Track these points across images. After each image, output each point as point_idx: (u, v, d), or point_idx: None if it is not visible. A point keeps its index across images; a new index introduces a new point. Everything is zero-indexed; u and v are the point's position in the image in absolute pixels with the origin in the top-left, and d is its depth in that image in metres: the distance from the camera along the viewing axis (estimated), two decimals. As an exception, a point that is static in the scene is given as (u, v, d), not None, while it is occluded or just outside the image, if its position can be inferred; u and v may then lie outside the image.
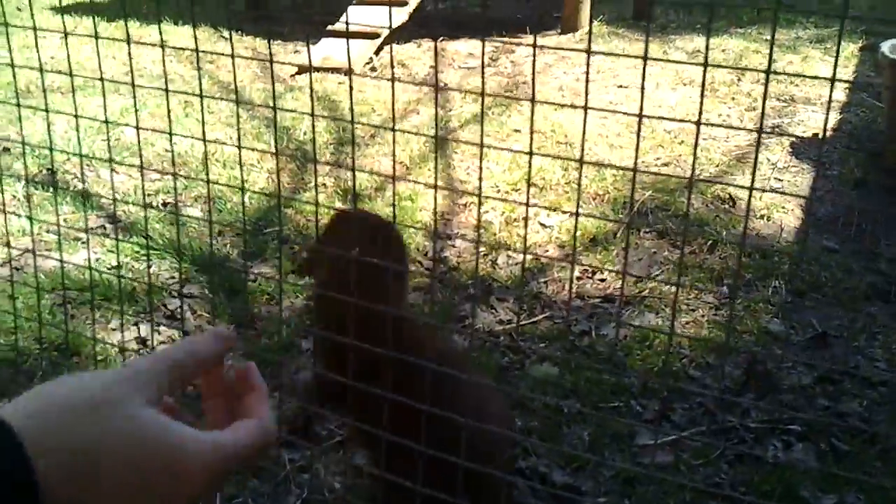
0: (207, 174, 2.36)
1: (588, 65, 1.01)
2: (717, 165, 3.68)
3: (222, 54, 1.32)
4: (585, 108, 1.07)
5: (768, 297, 2.66)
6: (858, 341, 2.46)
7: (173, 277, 2.67)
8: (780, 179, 3.57)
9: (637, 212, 3.15)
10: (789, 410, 2.15)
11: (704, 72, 1.00)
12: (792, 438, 2.08)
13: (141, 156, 1.44)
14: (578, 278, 2.73)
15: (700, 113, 1.03)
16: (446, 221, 3.10)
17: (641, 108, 1.03)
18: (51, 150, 1.72)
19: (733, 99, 4.47)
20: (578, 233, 2.97)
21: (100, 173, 3.39)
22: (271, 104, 1.36)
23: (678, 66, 4.77)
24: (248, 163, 3.51)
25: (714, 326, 2.51)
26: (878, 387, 2.27)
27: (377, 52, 4.96)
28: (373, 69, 4.83)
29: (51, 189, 3.23)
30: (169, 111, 1.37)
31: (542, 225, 3.04)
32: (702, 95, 1.02)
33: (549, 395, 2.15)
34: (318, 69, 4.70)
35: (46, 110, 1.53)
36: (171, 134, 1.29)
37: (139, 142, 1.49)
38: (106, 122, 1.43)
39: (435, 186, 1.05)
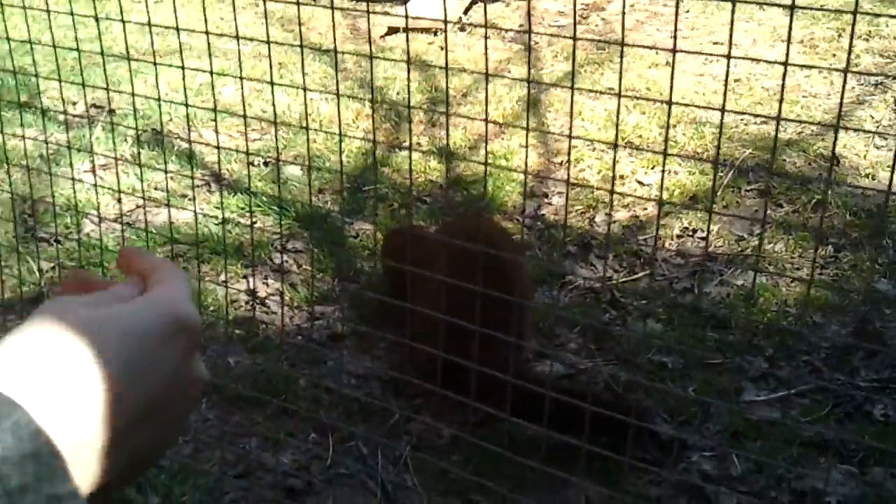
0: (340, 127, 2.41)
1: (731, 18, 1.00)
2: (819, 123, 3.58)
3: (316, 5, 1.34)
4: (728, 56, 1.06)
5: (876, 256, 2.60)
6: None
7: (277, 233, 2.74)
8: (885, 137, 3.46)
9: (738, 169, 3.09)
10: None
11: (854, 21, 0.98)
12: (904, 398, 2.04)
13: (276, 110, 1.48)
14: (679, 236, 2.70)
15: (848, 63, 1.02)
16: (542, 179, 3.10)
17: (787, 58, 1.02)
18: (191, 105, 1.77)
19: (834, 56, 4.33)
20: (678, 191, 2.94)
21: (202, 133, 3.48)
22: (367, 64, 1.37)
23: (776, 23, 4.64)
24: (344, 122, 3.55)
25: (820, 285, 2.47)
26: None
27: (466, 12, 4.94)
28: (462, 28, 4.82)
29: (156, 148, 3.34)
30: (285, 63, 1.40)
31: (640, 182, 3.02)
32: (851, 40, 1.00)
33: (652, 352, 2.16)
34: (407, 29, 4.72)
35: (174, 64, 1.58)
36: (305, 89, 1.32)
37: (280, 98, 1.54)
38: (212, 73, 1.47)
39: (570, 136, 1.06)
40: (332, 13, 1.38)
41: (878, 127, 3.57)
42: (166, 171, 2.09)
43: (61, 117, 3.62)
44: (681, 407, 1.97)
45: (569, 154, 1.30)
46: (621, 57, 0.95)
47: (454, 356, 1.63)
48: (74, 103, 3.81)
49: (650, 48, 4.37)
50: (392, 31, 4.79)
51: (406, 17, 1.70)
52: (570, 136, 1.06)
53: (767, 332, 2.23)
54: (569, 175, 2.99)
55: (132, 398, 0.46)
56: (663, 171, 1.22)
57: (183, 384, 0.50)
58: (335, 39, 1.39)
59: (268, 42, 1.38)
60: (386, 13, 5.32)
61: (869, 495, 1.77)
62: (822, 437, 1.90)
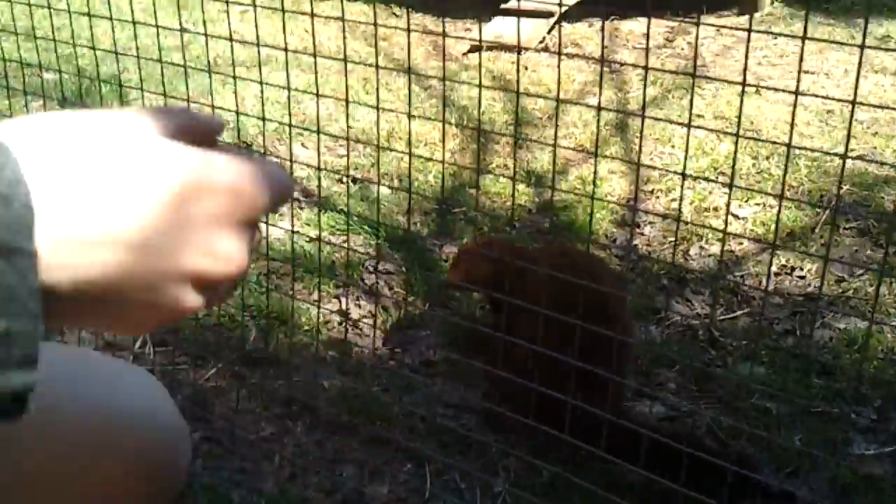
0: (445, 146, 2.42)
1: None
2: (917, 159, 3.47)
3: (397, 28, 1.32)
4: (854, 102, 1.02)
5: None
6: None
7: (367, 253, 2.74)
8: None
9: (834, 207, 3.01)
10: None
11: None
12: None
13: (379, 130, 1.47)
14: (777, 274, 2.63)
15: None
16: (633, 209, 3.05)
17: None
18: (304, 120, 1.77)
19: (929, 88, 4.21)
20: (774, 226, 2.87)
21: (291, 148, 3.50)
22: (448, 82, 1.36)
23: (869, 53, 4.52)
24: (431, 142, 3.55)
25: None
26: None
27: (549, 31, 4.92)
28: (546, 48, 4.79)
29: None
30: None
31: (735, 216, 2.95)
32: None
33: (755, 396, 2.10)
34: (490, 47, 4.70)
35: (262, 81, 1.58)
36: (410, 115, 1.31)
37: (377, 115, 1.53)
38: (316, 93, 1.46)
39: (683, 174, 1.03)
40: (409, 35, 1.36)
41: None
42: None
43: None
44: (787, 456, 1.91)
45: (682, 184, 1.23)
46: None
47: (552, 393, 1.61)
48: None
49: (775, 88, 4.27)
50: (475, 48, 4.78)
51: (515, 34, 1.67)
52: (684, 175, 1.02)
53: (875, 381, 2.15)
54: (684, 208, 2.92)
55: (126, 221, 0.43)
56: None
57: (197, 244, 0.46)
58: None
59: (345, 60, 1.37)
60: (468, 30, 5.32)
61: None
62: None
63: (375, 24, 1.64)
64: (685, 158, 1.73)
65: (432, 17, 5.51)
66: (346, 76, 1.73)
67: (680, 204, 2.19)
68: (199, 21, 4.91)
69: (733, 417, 2.02)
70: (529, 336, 1.71)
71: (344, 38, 1.78)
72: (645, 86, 1.41)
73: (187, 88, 2.10)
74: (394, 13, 5.52)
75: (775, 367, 2.21)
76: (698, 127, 3.48)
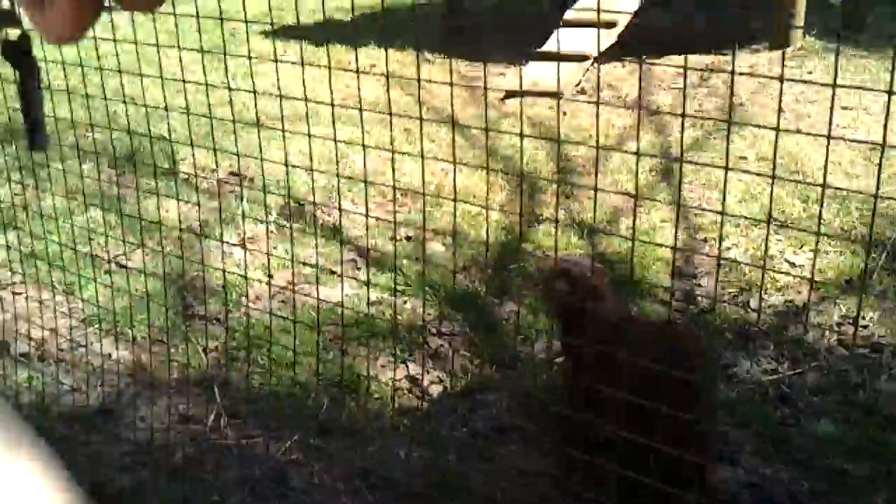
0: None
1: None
2: (967, 196, 3.46)
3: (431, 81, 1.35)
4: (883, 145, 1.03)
5: None
6: None
7: (429, 314, 2.77)
8: None
9: (890, 250, 3.01)
10: None
11: None
12: None
13: (423, 182, 1.49)
14: (839, 324, 2.63)
15: None
16: (686, 258, 3.06)
17: None
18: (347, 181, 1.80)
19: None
20: (831, 273, 2.87)
21: (342, 205, 3.55)
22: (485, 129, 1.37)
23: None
24: (480, 194, 3.58)
25: None
26: None
27: (585, 74, 4.96)
28: (582, 91, 4.83)
29: (300, 220, 3.42)
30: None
31: (791, 263, 2.96)
32: None
33: (831, 456, 2.09)
34: (527, 93, 4.75)
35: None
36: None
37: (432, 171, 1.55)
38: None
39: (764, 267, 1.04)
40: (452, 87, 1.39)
41: None
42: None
43: (202, 185, 3.73)
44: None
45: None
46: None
47: (636, 469, 1.61)
48: (214, 170, 3.92)
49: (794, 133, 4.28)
50: (510, 94, 4.83)
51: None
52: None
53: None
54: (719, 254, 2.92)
55: None
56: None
57: None
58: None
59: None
60: (501, 74, 5.36)
61: None
62: None
63: (419, 80, 1.64)
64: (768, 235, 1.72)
65: (465, 62, 5.56)
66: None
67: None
68: (237, 76, 4.98)
69: (811, 479, 2.01)
70: (615, 406, 1.72)
71: (388, 93, 1.81)
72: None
73: (236, 144, 2.13)
74: (427, 59, 5.59)
75: (849, 423, 2.20)
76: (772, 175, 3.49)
